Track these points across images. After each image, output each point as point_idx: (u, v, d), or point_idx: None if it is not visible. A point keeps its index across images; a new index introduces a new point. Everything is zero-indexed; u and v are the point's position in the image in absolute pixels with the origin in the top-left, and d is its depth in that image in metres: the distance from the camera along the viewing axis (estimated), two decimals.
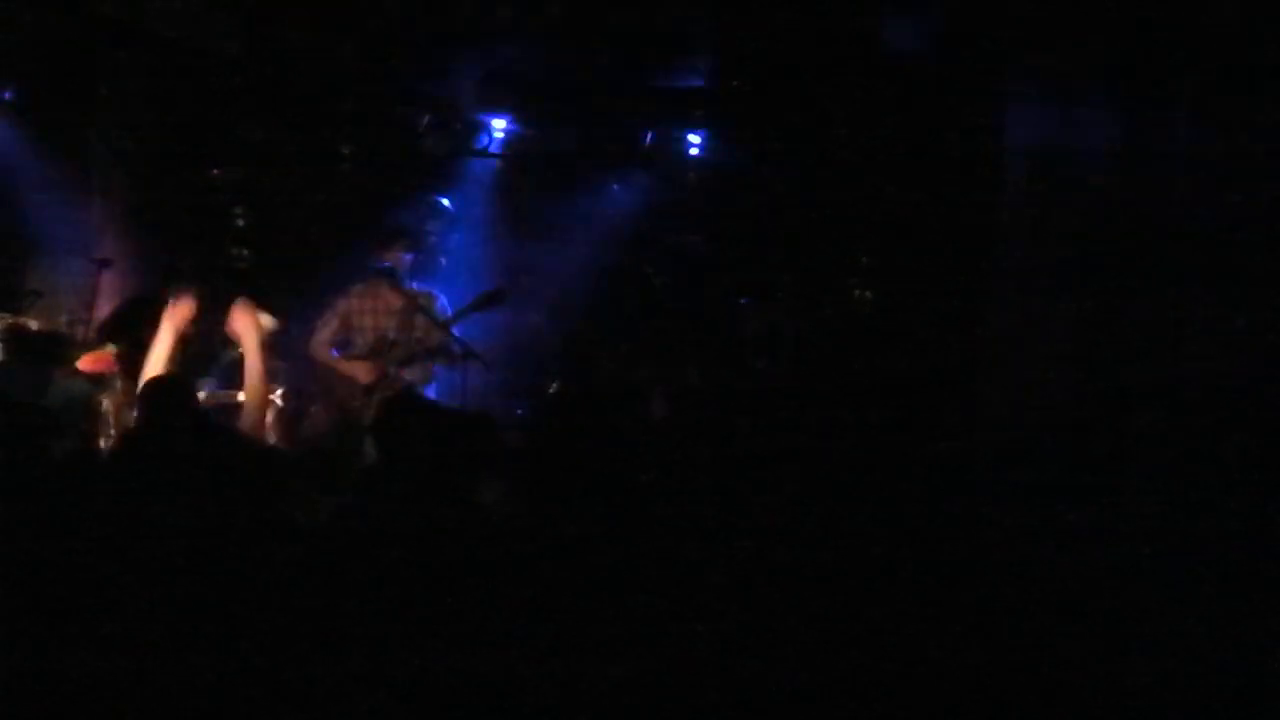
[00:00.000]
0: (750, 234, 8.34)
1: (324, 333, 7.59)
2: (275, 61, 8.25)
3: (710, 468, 4.97)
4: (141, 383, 5.80)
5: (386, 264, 7.47)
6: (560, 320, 8.45)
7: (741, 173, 8.49)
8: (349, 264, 7.82)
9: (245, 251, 8.35)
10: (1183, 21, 5.86)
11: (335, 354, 7.59)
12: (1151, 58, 6.00)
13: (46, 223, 8.31)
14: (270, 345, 6.24)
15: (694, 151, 8.70)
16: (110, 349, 6.60)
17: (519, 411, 7.60)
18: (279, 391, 6.73)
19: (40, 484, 4.06)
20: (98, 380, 6.49)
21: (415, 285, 7.56)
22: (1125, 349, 6.02)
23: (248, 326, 6.02)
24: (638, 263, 8.49)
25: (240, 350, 6.26)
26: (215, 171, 8.56)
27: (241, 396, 6.29)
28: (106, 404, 6.31)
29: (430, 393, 7.47)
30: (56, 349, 6.58)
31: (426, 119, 8.57)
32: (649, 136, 8.56)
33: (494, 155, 8.83)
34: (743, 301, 8.12)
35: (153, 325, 6.04)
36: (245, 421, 6.06)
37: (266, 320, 6.51)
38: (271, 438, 6.45)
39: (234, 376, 6.90)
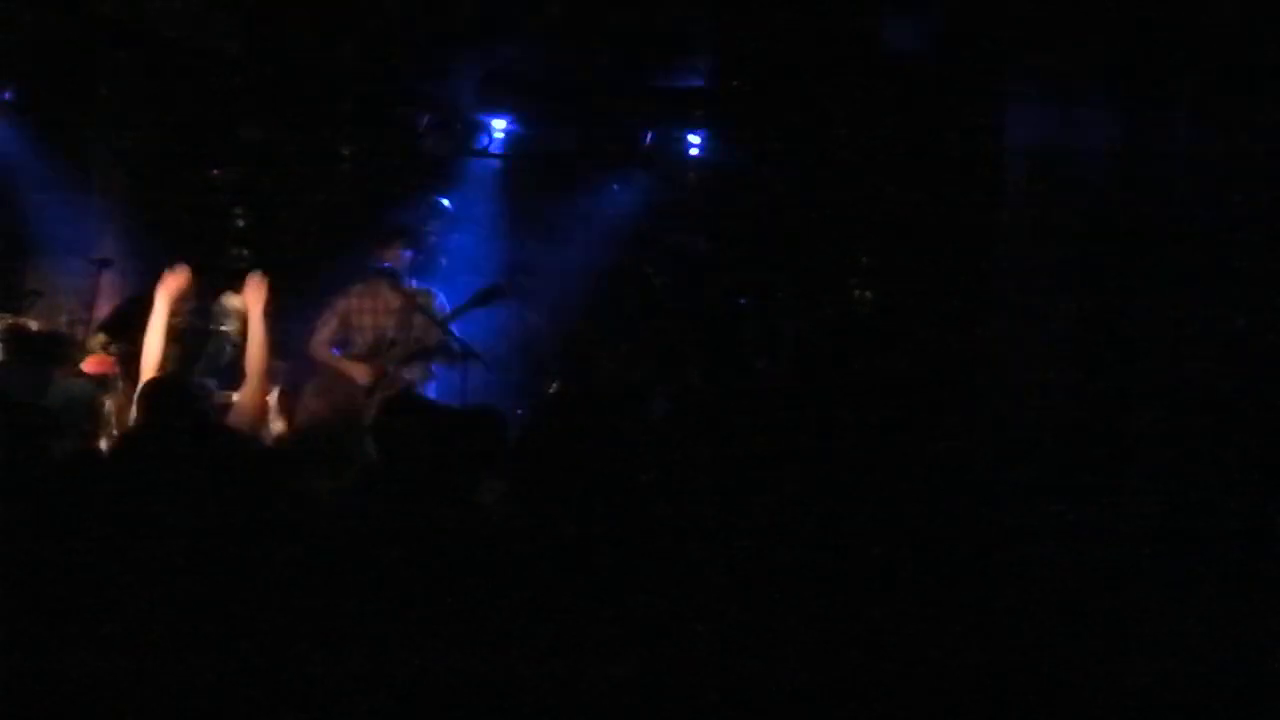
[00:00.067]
0: (750, 234, 8.33)
1: (323, 332, 7.59)
2: (275, 61, 8.25)
3: (710, 468, 4.97)
4: (141, 380, 5.82)
5: (387, 264, 7.48)
6: (560, 320, 8.44)
7: (741, 173, 8.49)
8: (349, 264, 7.82)
9: (245, 251, 8.35)
10: (1183, 21, 5.86)
11: (335, 353, 7.59)
12: (1151, 58, 6.00)
13: (46, 223, 8.31)
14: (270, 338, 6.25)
15: (694, 151, 8.70)
16: (111, 349, 6.61)
17: (519, 411, 7.60)
18: (276, 390, 6.73)
19: (40, 484, 4.06)
20: (100, 380, 6.49)
21: (414, 283, 7.57)
22: (1125, 349, 6.02)
23: (256, 299, 6.08)
24: (638, 263, 8.49)
25: (224, 328, 6.29)
26: (215, 171, 8.56)
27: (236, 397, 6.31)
28: (109, 404, 6.31)
29: (430, 391, 7.48)
30: (56, 349, 6.57)
31: (426, 119, 8.56)
32: (649, 136, 8.56)
33: (494, 155, 8.83)
34: (743, 301, 8.11)
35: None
36: (245, 400, 6.06)
37: (239, 301, 6.54)
38: (274, 423, 6.46)
39: (234, 377, 6.90)
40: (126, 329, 6.61)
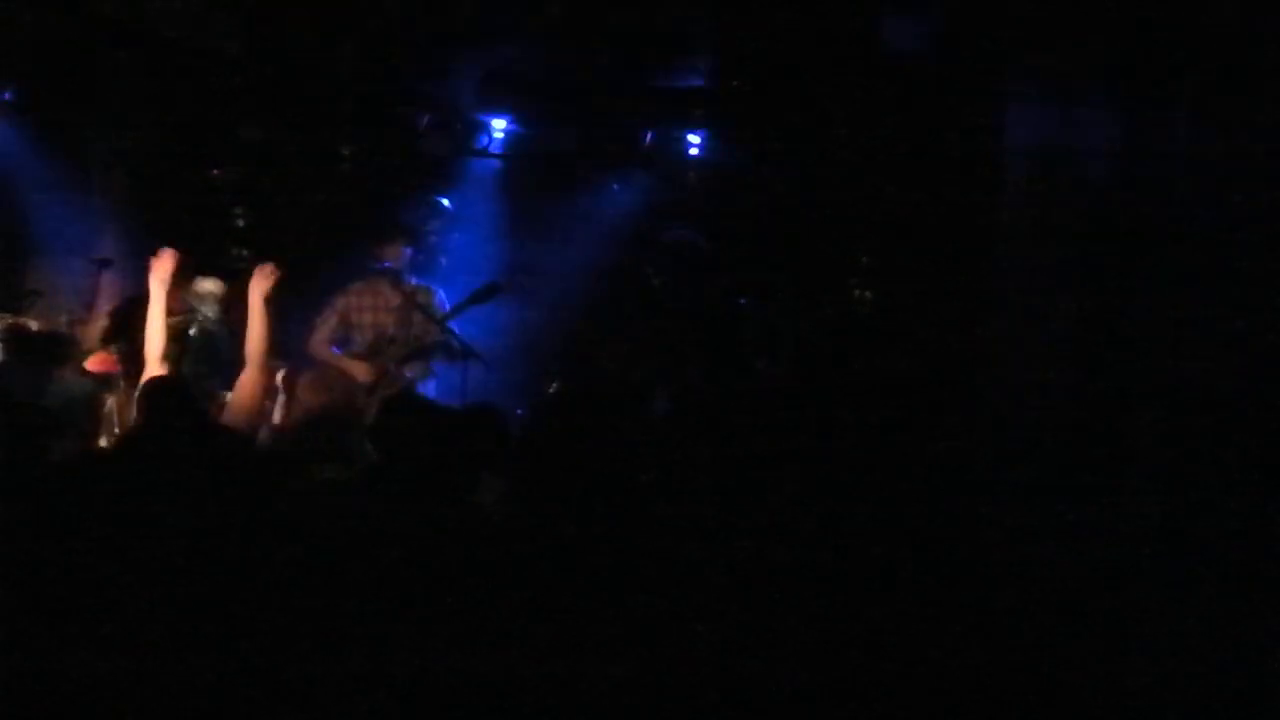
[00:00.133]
0: (750, 234, 8.33)
1: (323, 330, 7.61)
2: (275, 61, 8.25)
3: (710, 468, 4.97)
4: (142, 378, 5.83)
5: (387, 263, 7.49)
6: (560, 320, 8.44)
7: (741, 173, 8.49)
8: (349, 263, 7.82)
9: (245, 251, 8.35)
10: (1183, 21, 5.85)
11: (336, 351, 7.60)
12: (1151, 58, 5.99)
13: (46, 223, 8.31)
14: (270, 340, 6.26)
15: (694, 151, 8.70)
16: (113, 347, 6.61)
17: (519, 411, 7.60)
18: (281, 373, 6.74)
19: (40, 484, 4.06)
20: (104, 379, 6.49)
21: (414, 281, 7.58)
22: (1125, 349, 6.01)
23: (258, 289, 6.11)
24: (638, 263, 8.49)
25: (201, 311, 6.30)
26: (215, 171, 8.56)
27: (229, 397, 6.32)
28: (110, 403, 6.32)
29: (430, 389, 7.48)
30: (56, 349, 6.57)
31: (426, 119, 8.57)
32: (649, 136, 8.56)
33: (494, 155, 8.83)
34: (743, 301, 8.11)
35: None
36: (244, 387, 6.06)
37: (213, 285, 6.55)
38: (276, 410, 6.47)
39: (219, 365, 6.90)
40: (127, 328, 6.61)
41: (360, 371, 7.41)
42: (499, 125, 8.73)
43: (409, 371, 7.46)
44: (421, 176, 8.69)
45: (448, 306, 7.54)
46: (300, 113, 8.49)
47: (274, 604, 3.57)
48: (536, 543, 3.82)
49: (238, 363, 6.25)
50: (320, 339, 7.59)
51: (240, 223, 8.46)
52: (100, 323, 6.97)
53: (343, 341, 7.63)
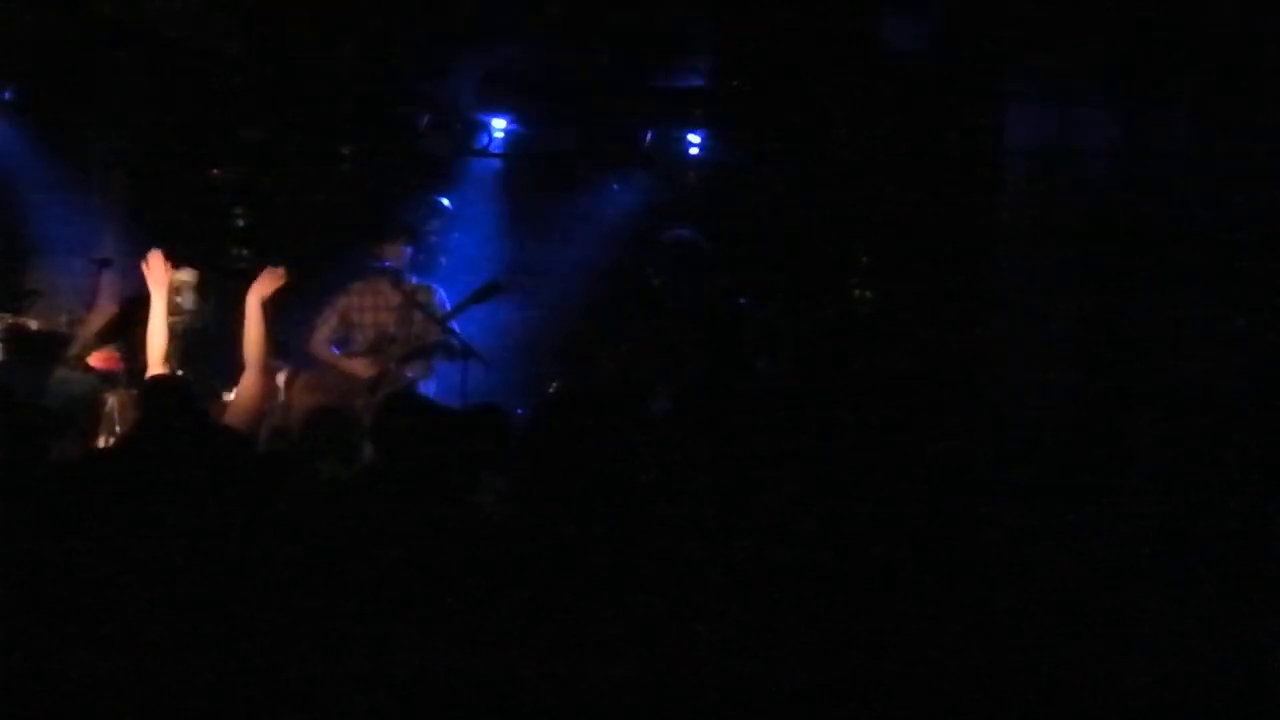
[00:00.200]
0: (750, 234, 8.33)
1: (324, 330, 7.61)
2: (275, 61, 8.25)
3: (710, 468, 4.97)
4: (145, 375, 5.85)
5: (387, 262, 7.49)
6: (560, 320, 8.44)
7: (741, 173, 8.48)
8: (349, 263, 7.83)
9: (245, 251, 8.35)
10: (1183, 21, 5.85)
11: (336, 351, 7.60)
12: (1151, 58, 5.99)
13: (46, 223, 8.31)
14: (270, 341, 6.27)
15: (694, 151, 8.70)
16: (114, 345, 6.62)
17: (519, 411, 7.60)
18: (282, 376, 6.75)
19: (40, 484, 4.06)
20: (106, 376, 6.50)
21: (414, 280, 7.59)
22: (1125, 349, 6.01)
23: (256, 291, 6.13)
24: (638, 263, 8.48)
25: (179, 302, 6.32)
26: (215, 171, 8.55)
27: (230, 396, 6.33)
28: (111, 402, 6.32)
29: (430, 389, 7.49)
30: (56, 349, 6.58)
31: (426, 119, 8.57)
32: (649, 136, 8.56)
33: (494, 155, 8.83)
34: (742, 301, 8.11)
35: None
36: (245, 389, 6.07)
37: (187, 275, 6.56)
38: (277, 410, 6.48)
39: (229, 371, 6.90)
40: (127, 328, 6.62)
41: (361, 370, 7.42)
42: (499, 125, 8.73)
43: (410, 371, 7.46)
44: (421, 176, 8.69)
45: (448, 306, 7.54)
46: (300, 113, 8.49)
47: (274, 604, 3.57)
48: (536, 543, 3.82)
49: (231, 356, 6.27)
50: (321, 339, 7.60)
51: (240, 223, 8.46)
52: (100, 320, 6.97)
53: (343, 341, 7.63)
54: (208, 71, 8.20)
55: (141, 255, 6.41)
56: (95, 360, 6.58)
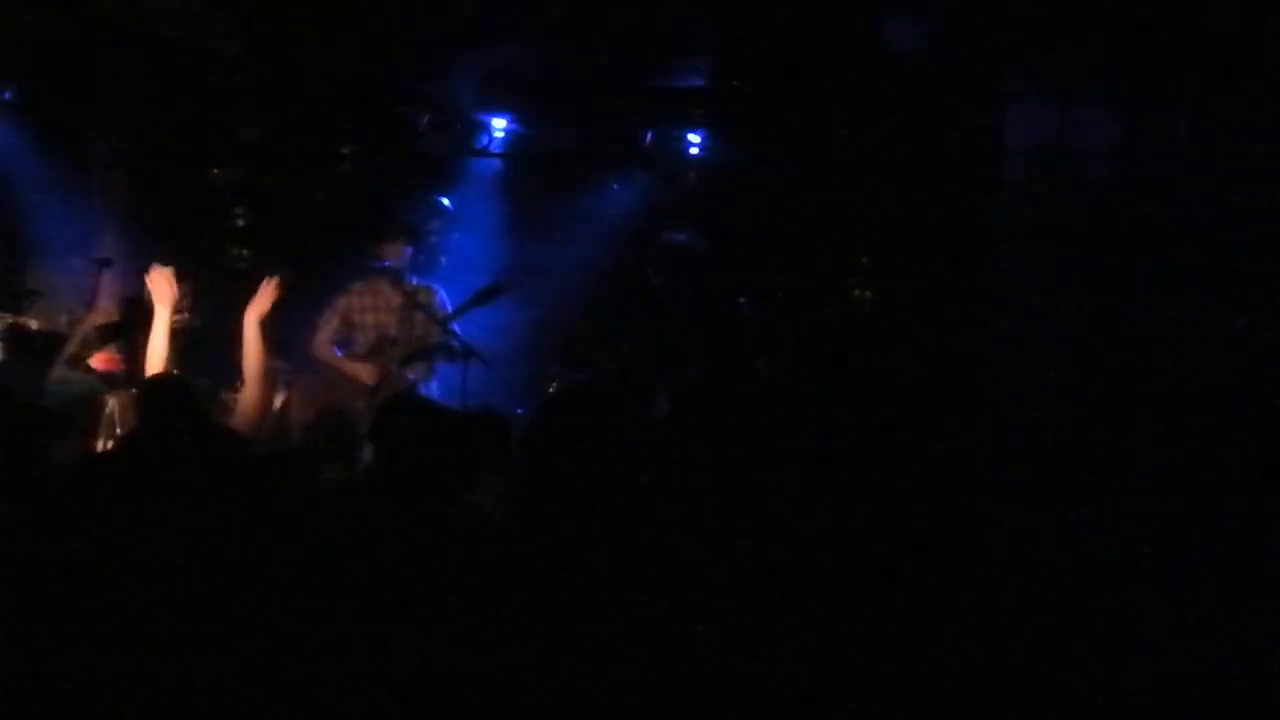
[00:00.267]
0: (750, 234, 8.33)
1: (325, 331, 7.61)
2: (275, 61, 8.25)
3: (710, 468, 4.97)
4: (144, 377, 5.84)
5: (387, 262, 7.49)
6: (560, 320, 8.44)
7: (741, 173, 8.48)
8: (349, 263, 7.82)
9: (245, 251, 8.35)
10: (1183, 21, 5.85)
11: (338, 353, 7.60)
12: (1151, 58, 5.99)
13: (46, 223, 8.31)
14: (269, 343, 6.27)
15: (694, 151, 8.70)
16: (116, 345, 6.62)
17: (519, 411, 7.61)
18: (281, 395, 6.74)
19: (40, 484, 4.06)
20: (107, 378, 6.50)
21: (415, 281, 7.58)
22: (1125, 349, 6.01)
23: (255, 305, 6.12)
24: (638, 263, 8.48)
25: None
26: (215, 171, 8.55)
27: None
28: (112, 403, 6.32)
29: (433, 389, 7.48)
30: (56, 349, 6.57)
31: (426, 119, 8.57)
32: (649, 136, 8.56)
33: (494, 155, 8.83)
34: (742, 301, 8.11)
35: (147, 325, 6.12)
36: (245, 405, 6.07)
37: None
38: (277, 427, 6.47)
39: (234, 376, 6.90)
40: (127, 328, 6.62)
41: (363, 372, 7.42)
42: (499, 125, 8.73)
43: (411, 372, 7.45)
44: (421, 176, 8.69)
45: (449, 307, 7.54)
46: (300, 113, 8.49)
47: (274, 604, 3.57)
48: (536, 542, 3.82)
49: (230, 356, 6.27)
50: (323, 340, 7.60)
51: (240, 223, 8.46)
52: (99, 320, 6.96)
53: (345, 342, 7.63)
54: (208, 71, 8.20)
55: (141, 255, 6.41)
56: (96, 361, 6.57)
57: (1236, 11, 5.75)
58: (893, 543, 4.42)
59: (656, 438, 5.22)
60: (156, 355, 6.06)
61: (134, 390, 6.13)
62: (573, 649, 3.53)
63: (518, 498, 4.32)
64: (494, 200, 8.93)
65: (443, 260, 8.25)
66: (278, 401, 6.68)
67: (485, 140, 8.73)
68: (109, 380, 6.49)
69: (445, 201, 8.47)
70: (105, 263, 7.82)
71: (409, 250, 7.58)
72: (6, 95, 8.20)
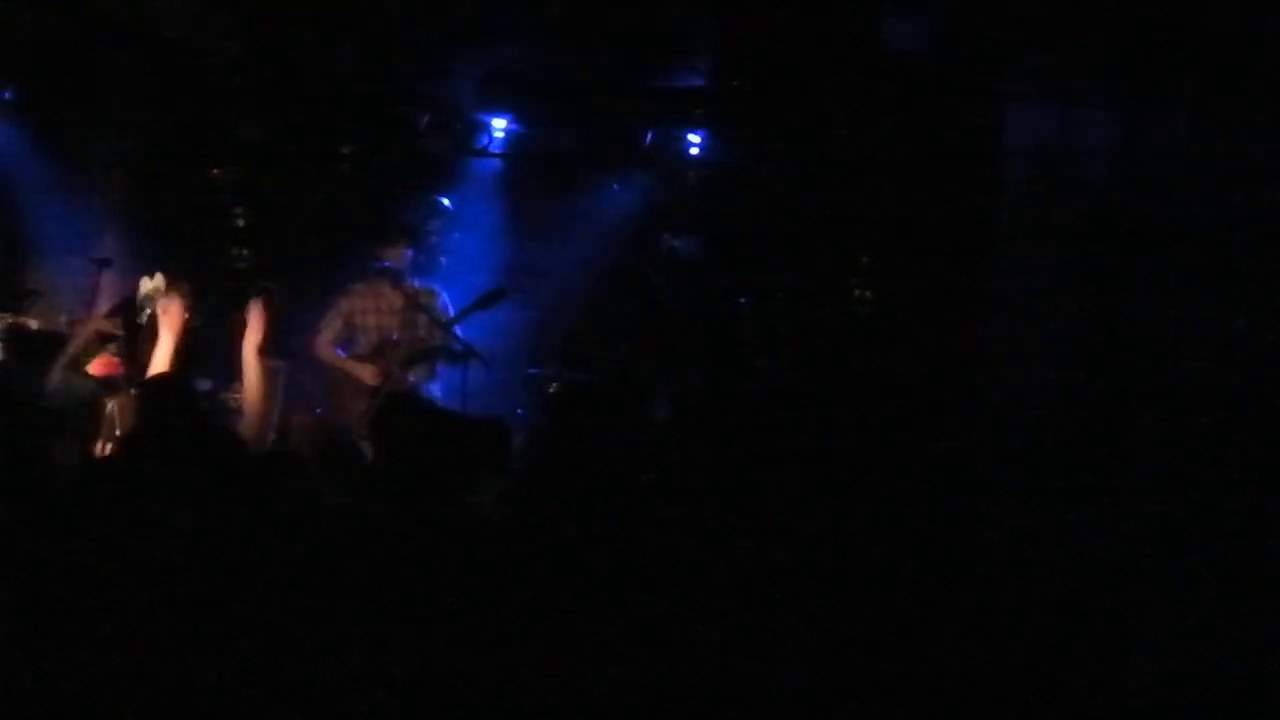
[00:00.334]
0: (750, 234, 8.33)
1: (327, 333, 7.61)
2: (275, 61, 8.25)
3: (710, 468, 4.97)
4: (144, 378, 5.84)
5: (387, 263, 7.49)
6: (560, 320, 8.45)
7: (741, 173, 8.48)
8: (349, 264, 7.82)
9: (245, 251, 8.35)
10: (1183, 21, 5.85)
11: (340, 353, 7.60)
12: (1151, 58, 5.99)
13: (46, 223, 8.31)
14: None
15: (694, 151, 8.70)
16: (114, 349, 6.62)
17: (519, 411, 7.61)
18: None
19: (41, 484, 4.06)
20: (106, 382, 6.50)
21: (416, 283, 7.58)
22: (1125, 349, 6.02)
23: (254, 324, 6.12)
24: (638, 263, 8.49)
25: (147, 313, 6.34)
26: (215, 171, 8.55)
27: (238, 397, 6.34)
28: (111, 406, 6.32)
29: (435, 390, 7.48)
30: (57, 349, 6.57)
31: (426, 119, 8.57)
32: (649, 136, 8.56)
33: (494, 155, 8.83)
34: (742, 301, 8.11)
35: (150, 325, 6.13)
36: (247, 426, 6.09)
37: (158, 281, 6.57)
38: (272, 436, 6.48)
39: (234, 376, 6.90)
40: (128, 340, 6.63)
41: (365, 374, 7.42)
42: (499, 125, 8.73)
43: (412, 375, 7.45)
44: (421, 176, 8.69)
45: (451, 309, 7.53)
46: (300, 113, 8.49)
47: (274, 604, 3.57)
48: (536, 543, 3.82)
49: (229, 357, 6.29)
50: (325, 341, 7.60)
51: (240, 223, 8.45)
52: (101, 329, 6.96)
53: (346, 343, 7.63)
54: (208, 71, 8.20)
55: (140, 255, 6.41)
56: (94, 366, 6.57)
57: (1236, 11, 5.75)
58: (893, 543, 4.42)
59: (657, 438, 5.23)
60: (160, 368, 6.06)
61: (133, 394, 6.15)
62: (572, 649, 3.53)
63: (517, 497, 4.32)
64: (494, 200, 8.93)
65: (443, 260, 8.25)
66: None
67: (485, 140, 8.73)
68: (108, 384, 6.50)
69: (445, 202, 8.47)
70: (105, 263, 7.82)
71: (409, 251, 7.58)
72: (6, 95, 8.20)
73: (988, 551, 5.21)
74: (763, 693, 3.64)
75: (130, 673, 3.37)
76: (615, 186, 8.81)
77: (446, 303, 7.59)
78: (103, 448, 6.11)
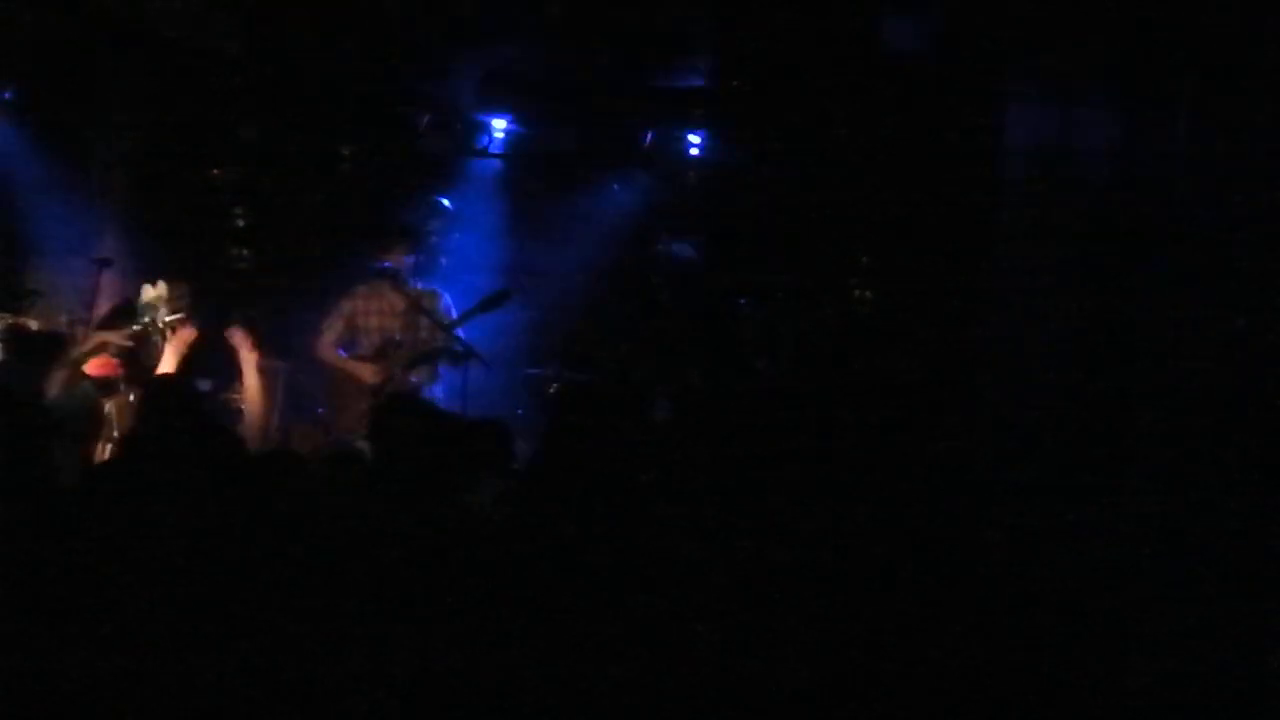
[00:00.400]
0: (750, 234, 8.33)
1: (329, 334, 7.61)
2: (275, 61, 8.24)
3: (710, 468, 4.97)
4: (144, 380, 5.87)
5: (388, 264, 7.48)
6: (560, 320, 8.44)
7: (741, 173, 8.48)
8: (350, 264, 7.82)
9: (245, 251, 8.35)
10: (1183, 21, 5.85)
11: (343, 354, 7.60)
12: (1151, 58, 6.00)
13: (46, 223, 8.31)
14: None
15: (694, 151, 8.70)
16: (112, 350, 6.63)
17: (519, 411, 7.61)
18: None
19: (41, 484, 4.06)
20: (104, 383, 6.50)
21: (418, 285, 7.58)
22: (1125, 349, 6.02)
23: (248, 351, 6.19)
24: (638, 263, 8.48)
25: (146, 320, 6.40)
26: (215, 171, 8.55)
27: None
28: (110, 407, 6.33)
29: (438, 392, 7.48)
30: (57, 349, 6.57)
31: (426, 119, 8.57)
32: (649, 136, 8.56)
33: (494, 155, 8.83)
34: (743, 301, 8.11)
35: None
36: (248, 423, 6.13)
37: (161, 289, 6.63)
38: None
39: (233, 376, 6.91)
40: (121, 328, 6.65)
41: (366, 374, 7.42)
42: (499, 125, 8.73)
43: (414, 376, 7.44)
44: (421, 176, 8.68)
45: (454, 311, 7.53)
46: (300, 113, 8.49)
47: (274, 604, 3.57)
48: (536, 543, 3.82)
49: (228, 357, 6.32)
50: (328, 342, 7.60)
51: (240, 223, 8.45)
52: (105, 337, 6.97)
53: (349, 345, 7.63)
54: (208, 71, 8.20)
55: (140, 255, 6.44)
56: (91, 367, 6.58)
57: (1236, 11, 5.75)
58: (893, 543, 4.42)
59: (657, 438, 5.23)
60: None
61: (131, 395, 6.16)
62: (572, 649, 3.53)
63: (518, 497, 4.32)
64: (494, 200, 8.93)
65: (443, 261, 8.25)
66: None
67: (485, 140, 8.73)
68: (105, 385, 6.51)
69: (445, 202, 8.47)
70: (105, 263, 7.83)
71: (410, 254, 7.57)
72: (6, 95, 8.20)
73: (988, 551, 5.21)
74: (763, 693, 3.64)
75: (130, 673, 3.37)
76: (615, 187, 8.81)
77: (449, 304, 7.58)
78: (102, 449, 6.11)
